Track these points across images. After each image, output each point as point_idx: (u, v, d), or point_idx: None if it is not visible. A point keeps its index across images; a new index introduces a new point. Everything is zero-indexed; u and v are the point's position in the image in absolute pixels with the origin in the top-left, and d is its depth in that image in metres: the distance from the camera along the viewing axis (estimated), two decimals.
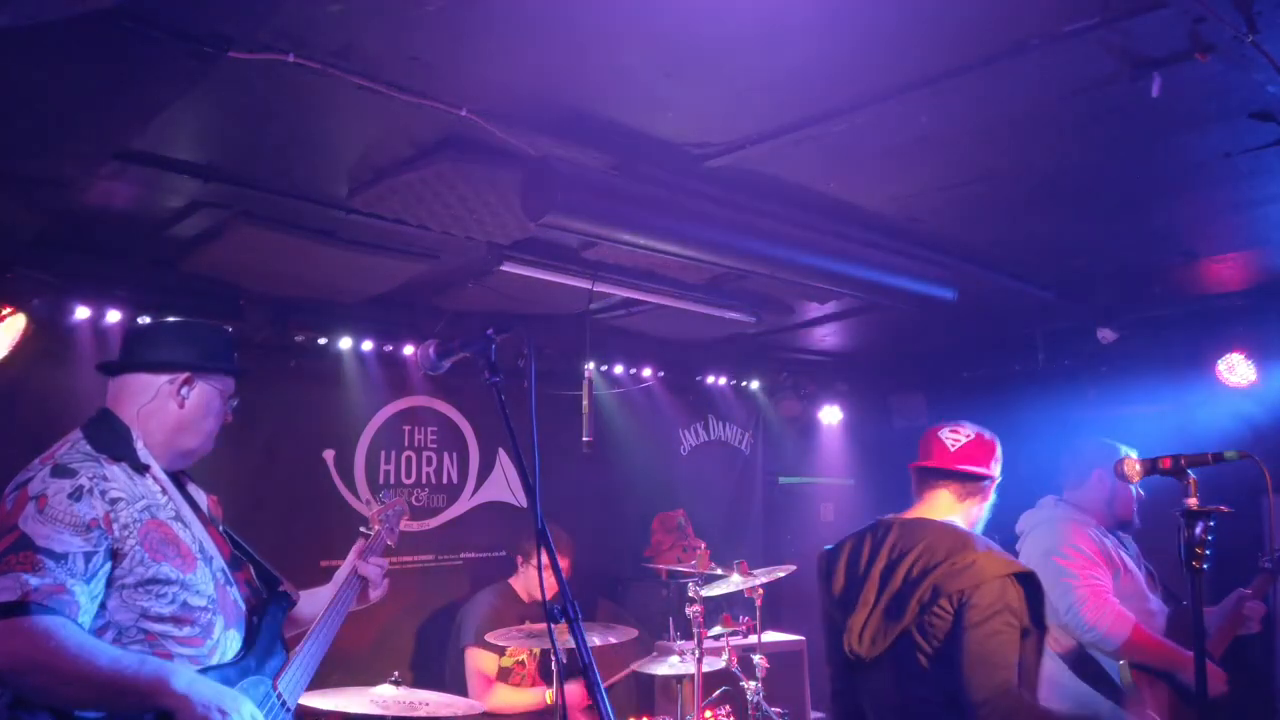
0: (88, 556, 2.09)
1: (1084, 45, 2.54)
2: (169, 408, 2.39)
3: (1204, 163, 3.44)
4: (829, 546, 2.99)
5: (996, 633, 2.52)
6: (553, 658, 4.24)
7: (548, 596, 2.10)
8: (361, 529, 2.96)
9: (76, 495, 2.13)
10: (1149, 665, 3.32)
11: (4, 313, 4.00)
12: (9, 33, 2.13)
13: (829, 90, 2.89)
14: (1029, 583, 2.63)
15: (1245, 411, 5.39)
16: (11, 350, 4.03)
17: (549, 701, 4.73)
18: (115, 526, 2.16)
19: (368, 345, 5.19)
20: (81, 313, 4.25)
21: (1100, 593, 3.31)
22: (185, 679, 2.13)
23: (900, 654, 2.64)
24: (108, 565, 2.13)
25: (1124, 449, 3.50)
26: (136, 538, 2.18)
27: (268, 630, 2.43)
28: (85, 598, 2.08)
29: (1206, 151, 3.33)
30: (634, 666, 4.84)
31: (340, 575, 2.80)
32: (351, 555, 2.85)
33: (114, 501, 2.19)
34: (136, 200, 3.64)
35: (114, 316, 4.31)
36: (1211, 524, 2.60)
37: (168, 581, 2.20)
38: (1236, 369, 5.38)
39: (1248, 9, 2.40)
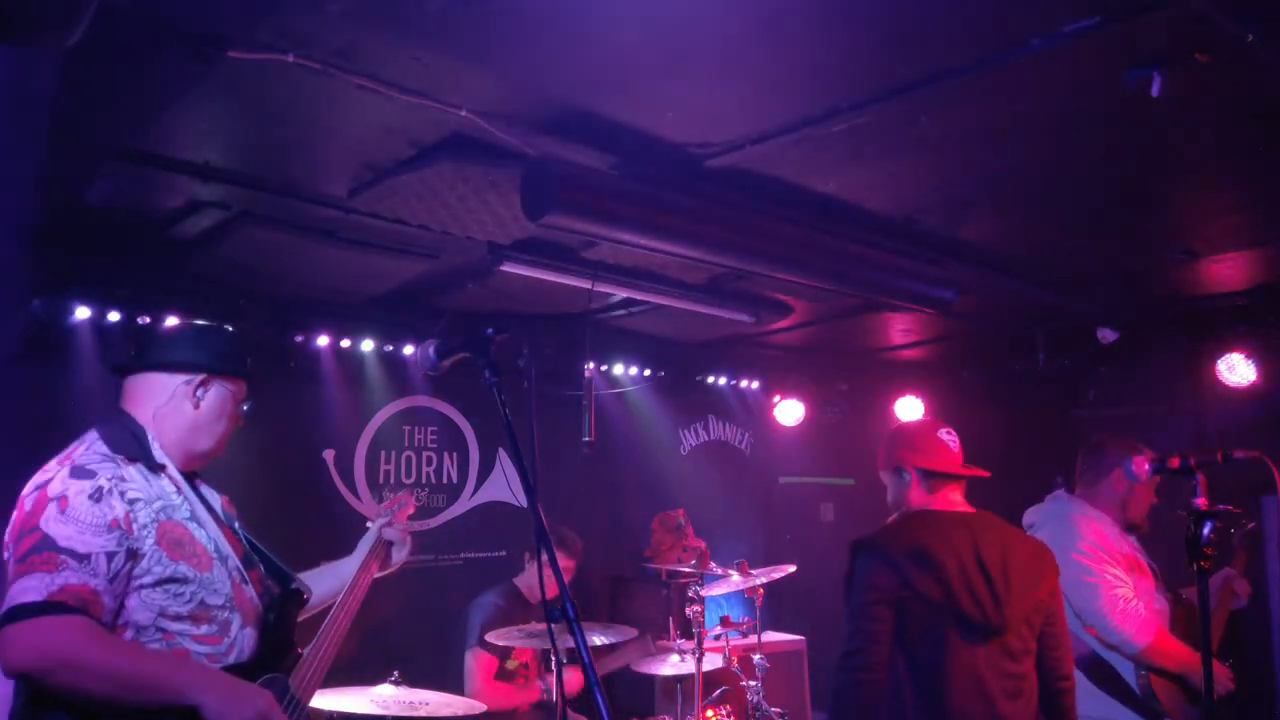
0: (109, 556, 2.11)
1: (1084, 45, 2.54)
2: (185, 409, 2.41)
3: (1204, 163, 3.44)
4: (883, 537, 2.91)
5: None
6: (553, 658, 4.24)
7: (548, 596, 2.10)
8: (368, 524, 3.04)
9: (97, 496, 2.15)
10: (1166, 669, 3.27)
11: None
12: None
13: (829, 90, 2.89)
14: None
15: (1245, 411, 5.39)
16: (12, 350, 4.03)
17: (544, 696, 4.73)
18: (134, 526, 2.18)
19: (368, 345, 5.19)
20: (81, 313, 4.25)
21: (1125, 595, 3.24)
22: (210, 674, 2.17)
23: (1011, 634, 2.81)
24: (128, 565, 2.15)
25: (1144, 449, 3.44)
26: (154, 537, 2.20)
27: (282, 628, 2.45)
28: (108, 597, 2.10)
29: (1206, 151, 3.33)
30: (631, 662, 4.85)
31: (363, 545, 2.91)
32: (375, 527, 2.98)
33: (132, 502, 2.20)
34: (137, 200, 3.64)
35: (114, 316, 4.31)
36: (1219, 524, 2.59)
37: (185, 580, 2.22)
38: (1236, 369, 5.37)
39: (1247, 9, 2.40)
